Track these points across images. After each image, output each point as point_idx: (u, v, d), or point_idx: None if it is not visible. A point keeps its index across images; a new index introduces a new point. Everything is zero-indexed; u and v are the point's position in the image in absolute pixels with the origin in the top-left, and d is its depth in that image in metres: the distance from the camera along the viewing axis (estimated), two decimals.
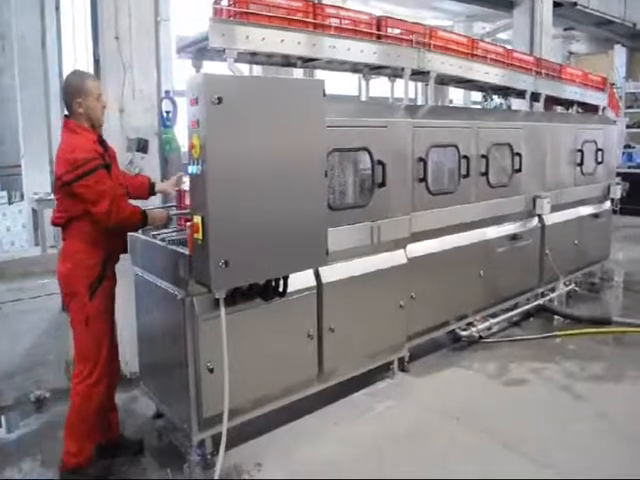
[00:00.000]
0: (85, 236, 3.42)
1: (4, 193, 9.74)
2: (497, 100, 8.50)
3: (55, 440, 3.59)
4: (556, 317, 6.37)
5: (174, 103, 5.65)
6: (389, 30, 4.73)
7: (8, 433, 4.16)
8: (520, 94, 6.60)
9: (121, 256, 4.39)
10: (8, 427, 4.21)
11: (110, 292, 3.60)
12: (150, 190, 4.00)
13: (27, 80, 8.76)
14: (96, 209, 3.30)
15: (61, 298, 3.53)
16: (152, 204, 4.25)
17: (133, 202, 3.65)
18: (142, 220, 3.55)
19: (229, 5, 3.81)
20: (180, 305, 3.51)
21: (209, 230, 3.15)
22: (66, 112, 3.49)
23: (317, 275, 4.12)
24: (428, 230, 5.00)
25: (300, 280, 3.92)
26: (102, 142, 3.51)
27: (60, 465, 3.51)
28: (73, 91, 3.40)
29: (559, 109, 7.95)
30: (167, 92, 5.56)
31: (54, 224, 3.57)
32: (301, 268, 3.76)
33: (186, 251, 3.40)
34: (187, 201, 3.81)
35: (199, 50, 4.08)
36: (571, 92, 7.24)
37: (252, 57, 4.27)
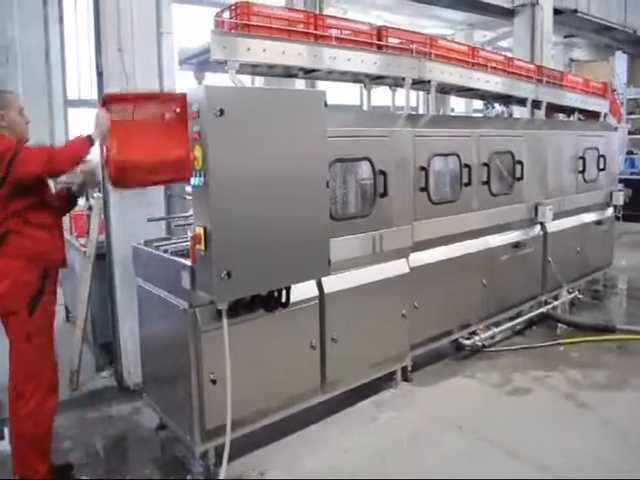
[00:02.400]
0: (21, 251, 3.33)
1: None
2: (498, 108, 8.52)
3: (56, 452, 3.60)
4: (559, 325, 6.35)
5: None
6: (389, 40, 4.76)
7: (10, 444, 4.15)
8: (521, 102, 6.62)
9: (123, 266, 4.40)
10: (10, 439, 4.19)
11: (50, 307, 3.50)
12: (69, 196, 3.76)
13: (31, 92, 8.79)
14: (39, 163, 3.22)
15: None
16: None
17: None
18: (89, 139, 3.44)
19: (230, 17, 3.84)
20: (183, 316, 3.52)
21: (211, 241, 3.16)
22: None
23: (319, 285, 4.12)
24: (430, 239, 5.00)
25: (302, 290, 3.92)
26: None
27: None
28: None
29: (560, 116, 7.97)
30: None
31: None
32: (303, 279, 3.77)
33: (189, 262, 3.41)
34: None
35: (201, 62, 4.12)
36: (572, 99, 7.26)
37: (254, 68, 4.29)
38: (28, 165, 3.23)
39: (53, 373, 3.52)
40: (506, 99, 6.87)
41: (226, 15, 3.88)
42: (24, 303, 3.33)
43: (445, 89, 5.92)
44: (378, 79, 5.03)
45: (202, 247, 3.22)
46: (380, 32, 4.72)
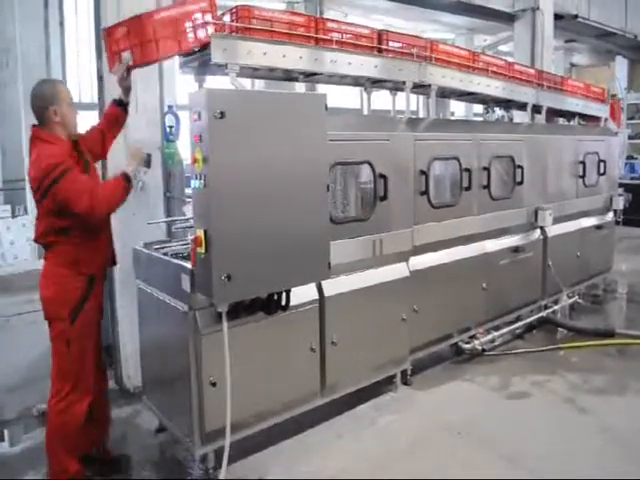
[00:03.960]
0: (66, 259, 3.34)
1: (8, 207, 9.73)
2: (499, 112, 8.53)
3: None
4: (559, 329, 6.35)
5: (177, 117, 5.68)
6: (390, 44, 4.75)
7: (11, 447, 4.15)
8: (522, 106, 6.62)
9: (123, 268, 4.39)
10: (11, 441, 4.19)
11: (93, 313, 3.49)
12: (121, 107, 3.80)
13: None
14: (79, 207, 3.19)
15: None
16: None
17: None
18: (126, 180, 3.45)
19: (231, 20, 3.84)
20: (182, 319, 3.52)
21: (212, 244, 3.17)
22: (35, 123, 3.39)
23: (319, 288, 4.12)
24: (430, 243, 5.00)
25: (302, 294, 3.92)
26: (77, 148, 3.46)
27: None
28: (47, 99, 3.31)
29: (561, 121, 7.98)
30: (170, 106, 5.58)
31: (37, 241, 3.46)
32: (304, 282, 3.76)
33: (189, 264, 3.41)
34: None
35: (201, 65, 4.11)
36: (573, 104, 7.26)
37: (254, 71, 4.29)
38: (70, 202, 3.18)
39: (90, 377, 3.51)
40: (506, 103, 6.87)
41: (227, 18, 3.87)
42: (67, 310, 3.35)
43: (445, 93, 5.92)
44: (378, 83, 5.04)
45: (202, 250, 3.22)
46: (381, 36, 4.71)
